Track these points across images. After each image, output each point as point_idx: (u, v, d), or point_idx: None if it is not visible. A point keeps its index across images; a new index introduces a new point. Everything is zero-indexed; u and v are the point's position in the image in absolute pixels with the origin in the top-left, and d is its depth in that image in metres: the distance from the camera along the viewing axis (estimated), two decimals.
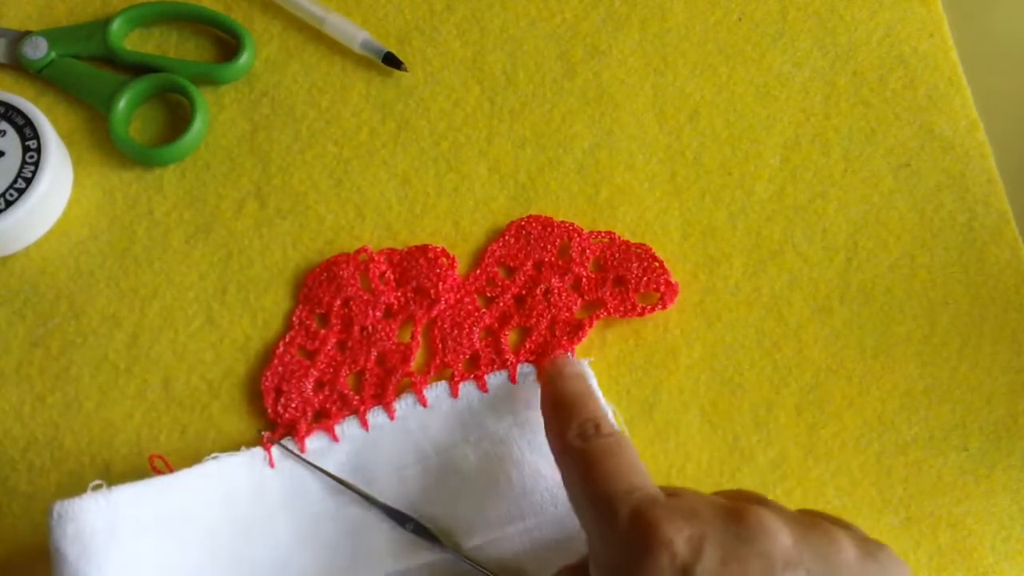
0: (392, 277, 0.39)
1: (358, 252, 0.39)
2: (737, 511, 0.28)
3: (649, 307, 0.38)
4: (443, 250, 0.39)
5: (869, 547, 0.29)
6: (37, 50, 0.42)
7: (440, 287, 0.38)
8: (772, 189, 0.41)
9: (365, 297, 0.39)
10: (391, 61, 0.42)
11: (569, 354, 0.38)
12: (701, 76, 0.43)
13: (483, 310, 0.39)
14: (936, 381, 0.38)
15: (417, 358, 0.38)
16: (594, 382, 0.37)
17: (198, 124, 0.41)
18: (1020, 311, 0.39)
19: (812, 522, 0.29)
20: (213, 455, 0.36)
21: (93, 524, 0.32)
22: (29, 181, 0.38)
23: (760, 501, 0.30)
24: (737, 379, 0.38)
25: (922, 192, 0.41)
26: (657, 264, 0.39)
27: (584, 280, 0.39)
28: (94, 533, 0.32)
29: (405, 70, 0.42)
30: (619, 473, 0.30)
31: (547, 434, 0.34)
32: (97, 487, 0.33)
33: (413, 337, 0.38)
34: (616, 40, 0.43)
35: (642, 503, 0.28)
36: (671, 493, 0.29)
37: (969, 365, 0.38)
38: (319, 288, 0.39)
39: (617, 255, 0.39)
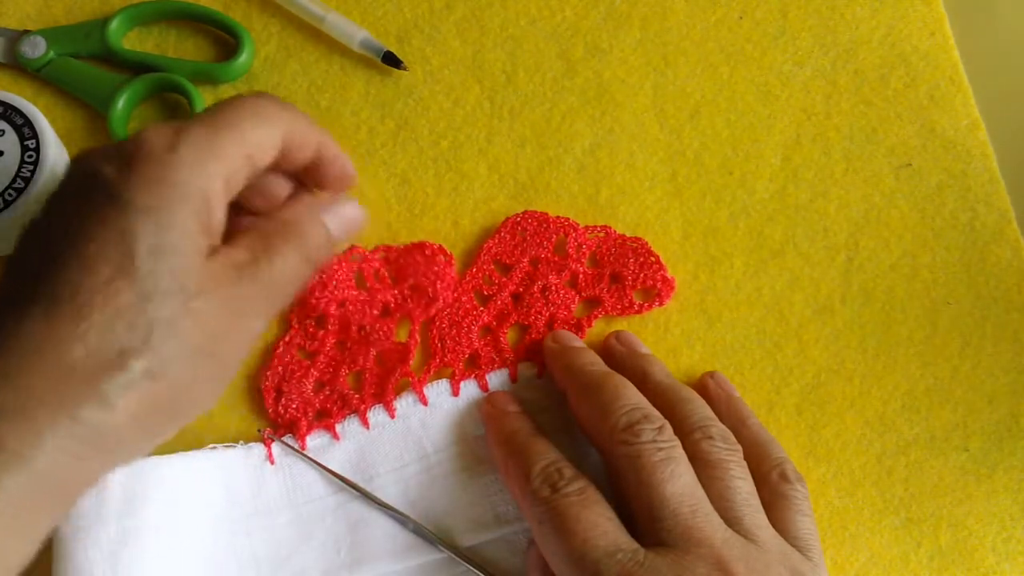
0: (387, 274, 0.39)
1: (348, 252, 0.39)
2: (721, 563, 0.29)
3: (647, 304, 0.38)
4: (440, 247, 0.39)
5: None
6: (36, 49, 0.42)
7: (438, 285, 0.38)
8: (773, 188, 0.41)
9: (362, 296, 0.39)
10: (390, 60, 0.42)
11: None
12: (702, 75, 0.42)
13: (481, 308, 0.39)
14: (937, 381, 0.38)
15: (416, 357, 0.38)
16: None
17: None
18: (1022, 311, 0.39)
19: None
20: (211, 446, 0.36)
21: (81, 504, 0.33)
22: (28, 181, 0.38)
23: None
24: (738, 379, 0.38)
25: (923, 191, 0.41)
26: (653, 259, 0.39)
27: (581, 276, 0.39)
28: (81, 513, 0.33)
29: (405, 69, 0.42)
30: (598, 528, 0.30)
31: (504, 476, 0.35)
32: None
33: (411, 336, 0.38)
34: (617, 39, 0.43)
35: (628, 568, 0.29)
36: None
37: (970, 365, 0.38)
38: (316, 288, 0.39)
39: (613, 250, 0.39)
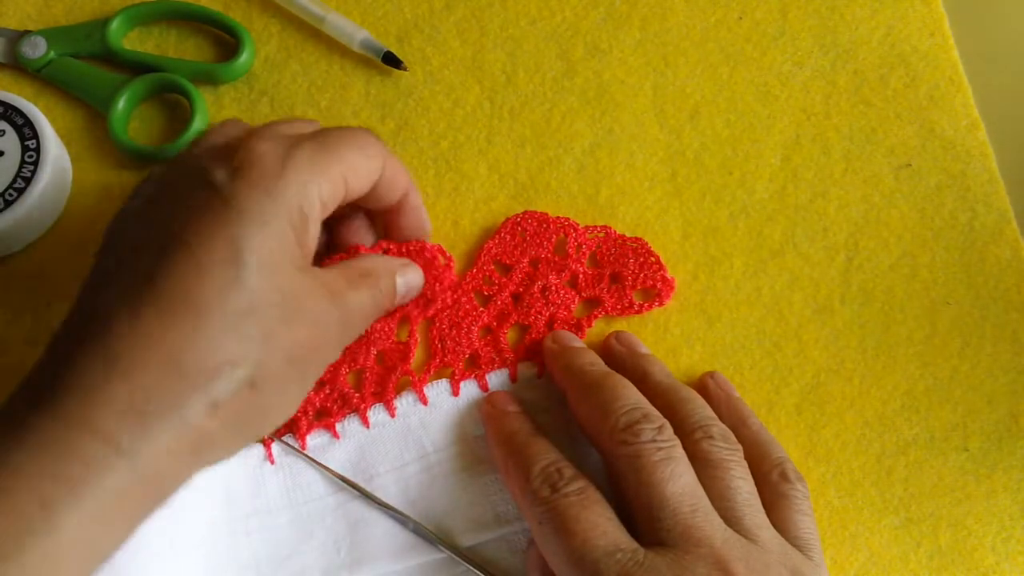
0: None
1: (349, 249, 0.39)
2: (721, 563, 0.29)
3: (647, 304, 0.38)
4: (439, 247, 0.39)
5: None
6: (36, 49, 0.42)
7: (436, 288, 0.38)
8: (773, 189, 0.41)
9: None
10: (390, 60, 0.42)
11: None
12: (702, 75, 0.43)
13: (481, 309, 0.39)
14: (937, 381, 0.38)
15: (416, 357, 0.38)
16: None
17: (197, 124, 0.41)
18: (1021, 311, 0.39)
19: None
20: None
21: None
22: (28, 181, 0.38)
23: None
24: (737, 379, 0.38)
25: (923, 192, 0.41)
26: (653, 259, 0.39)
27: (581, 276, 0.39)
28: None
29: (405, 69, 0.42)
30: (598, 528, 0.30)
31: (504, 476, 0.35)
32: None
33: (411, 336, 0.38)
34: (616, 39, 0.43)
35: (628, 568, 0.29)
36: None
37: (970, 365, 0.38)
38: None
39: (613, 250, 0.39)
